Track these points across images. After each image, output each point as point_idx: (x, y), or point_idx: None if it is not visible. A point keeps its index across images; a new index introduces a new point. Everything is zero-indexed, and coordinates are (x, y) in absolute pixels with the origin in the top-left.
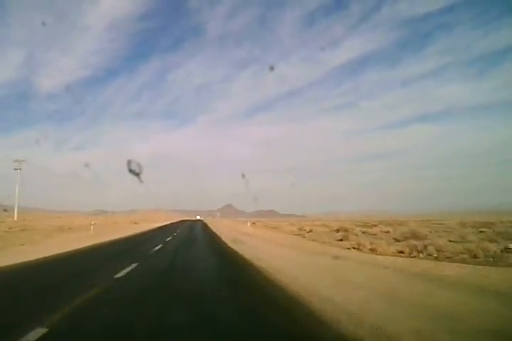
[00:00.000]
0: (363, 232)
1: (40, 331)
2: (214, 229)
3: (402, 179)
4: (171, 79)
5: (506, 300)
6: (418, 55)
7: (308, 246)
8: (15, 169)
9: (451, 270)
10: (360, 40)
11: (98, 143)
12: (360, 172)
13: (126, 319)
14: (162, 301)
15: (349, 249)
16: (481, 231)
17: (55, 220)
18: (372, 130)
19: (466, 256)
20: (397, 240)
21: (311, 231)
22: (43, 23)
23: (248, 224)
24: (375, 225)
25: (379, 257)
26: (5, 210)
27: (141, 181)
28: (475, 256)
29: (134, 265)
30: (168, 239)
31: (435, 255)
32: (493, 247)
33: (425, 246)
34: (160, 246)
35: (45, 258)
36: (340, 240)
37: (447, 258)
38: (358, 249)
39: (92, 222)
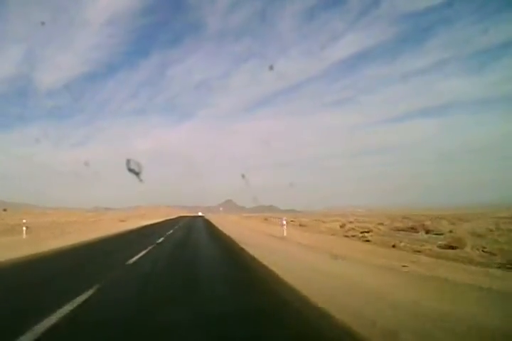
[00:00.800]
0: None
1: None
2: (229, 233)
3: (403, 173)
4: (170, 75)
5: None
6: (418, 49)
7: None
8: None
9: None
10: (360, 35)
11: (97, 140)
12: (361, 166)
13: None
14: None
15: None
16: None
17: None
18: (372, 124)
19: None
20: None
21: (369, 231)
22: (42, 20)
23: (284, 222)
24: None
25: None
26: (4, 210)
27: (141, 180)
28: None
29: None
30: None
31: None
32: None
33: None
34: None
35: None
36: (451, 248)
37: None
38: None
39: (24, 221)
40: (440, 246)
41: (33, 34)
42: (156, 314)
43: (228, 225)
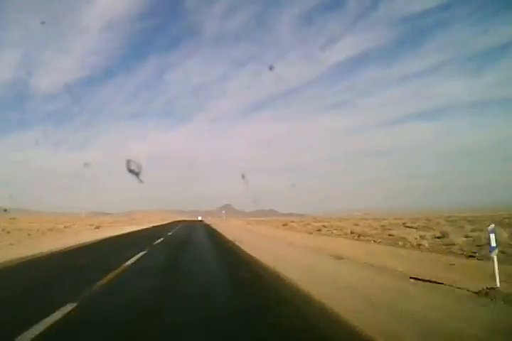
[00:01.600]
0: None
1: None
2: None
3: (401, 176)
4: (168, 79)
5: None
6: (416, 52)
7: None
8: None
9: None
10: (358, 38)
11: (95, 144)
12: (360, 170)
13: None
14: None
15: None
16: None
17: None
18: (371, 127)
19: None
20: None
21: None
22: (41, 23)
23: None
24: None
25: None
26: (5, 210)
27: (141, 181)
28: None
29: None
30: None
31: None
32: None
33: None
34: None
35: None
36: None
37: None
38: None
39: None
40: None
41: (31, 39)
42: None
43: (249, 237)
